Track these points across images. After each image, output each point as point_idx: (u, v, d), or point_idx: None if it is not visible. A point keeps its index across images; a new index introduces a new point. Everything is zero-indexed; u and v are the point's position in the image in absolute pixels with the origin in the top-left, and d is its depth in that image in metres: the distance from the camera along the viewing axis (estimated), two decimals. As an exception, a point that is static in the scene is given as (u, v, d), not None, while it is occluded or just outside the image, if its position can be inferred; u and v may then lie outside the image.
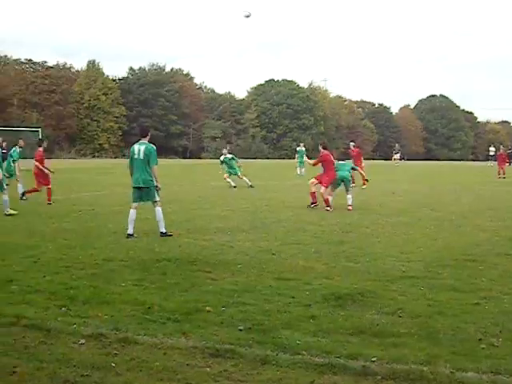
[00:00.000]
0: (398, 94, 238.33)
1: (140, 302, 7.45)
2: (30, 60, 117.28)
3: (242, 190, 27.73)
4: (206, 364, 5.46)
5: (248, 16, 26.83)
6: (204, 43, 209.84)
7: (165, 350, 5.79)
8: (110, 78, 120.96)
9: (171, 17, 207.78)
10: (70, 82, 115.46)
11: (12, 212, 16.97)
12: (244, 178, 30.07)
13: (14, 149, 23.75)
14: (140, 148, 13.53)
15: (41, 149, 21.89)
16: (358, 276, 9.17)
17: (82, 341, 5.99)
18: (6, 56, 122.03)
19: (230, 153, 31.58)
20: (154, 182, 13.49)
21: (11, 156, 23.38)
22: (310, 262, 10.26)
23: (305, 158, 23.81)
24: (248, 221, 15.94)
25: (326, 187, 19.28)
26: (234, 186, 28.83)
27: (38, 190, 21.51)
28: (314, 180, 19.96)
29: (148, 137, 13.92)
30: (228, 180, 30.05)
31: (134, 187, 13.55)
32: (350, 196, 19.06)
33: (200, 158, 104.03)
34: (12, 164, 23.17)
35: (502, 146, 48.49)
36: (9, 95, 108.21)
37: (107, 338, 6.10)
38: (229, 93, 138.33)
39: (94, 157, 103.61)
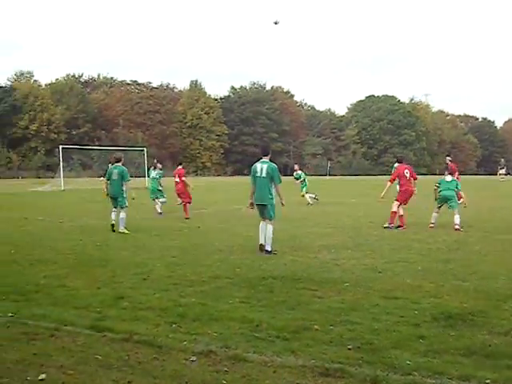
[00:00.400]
0: (502, 107, 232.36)
1: (248, 319, 7.49)
2: (135, 81, 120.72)
3: (344, 206, 27.58)
4: (316, 383, 5.44)
5: (276, 23, 25.39)
6: (304, 60, 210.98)
7: (274, 368, 5.80)
8: (212, 97, 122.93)
9: (271, 36, 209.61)
10: (173, 101, 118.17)
11: (126, 231, 17.57)
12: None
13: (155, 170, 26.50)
14: (262, 167, 13.77)
15: (180, 167, 24.87)
16: (467, 295, 8.95)
17: (193, 358, 6.07)
18: (112, 78, 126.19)
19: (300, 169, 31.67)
20: (273, 201, 13.73)
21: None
22: (417, 280, 10.09)
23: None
24: (351, 238, 15.83)
25: (400, 203, 18.87)
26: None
27: (189, 202, 23.77)
28: (396, 202, 19.06)
29: (269, 155, 14.12)
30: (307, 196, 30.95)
31: (256, 204, 13.84)
32: (457, 216, 18.07)
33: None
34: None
35: None
36: (115, 116, 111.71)
37: (217, 355, 6.16)
38: (329, 109, 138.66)
39: (196, 175, 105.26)
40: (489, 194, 39.04)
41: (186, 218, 22.11)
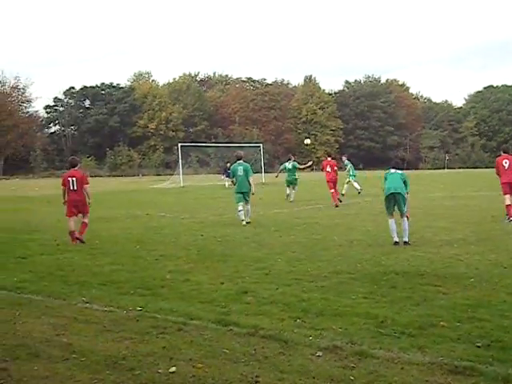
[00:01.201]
0: None
1: (372, 315, 7.44)
2: (250, 78, 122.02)
3: (463, 200, 26.91)
4: (446, 381, 5.33)
5: None
6: (419, 52, 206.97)
7: (402, 364, 5.73)
8: (326, 91, 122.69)
9: (369, 28, 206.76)
10: (287, 97, 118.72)
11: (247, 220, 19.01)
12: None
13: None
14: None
15: (330, 158, 29.17)
16: None
17: (319, 353, 6.08)
18: (227, 75, 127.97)
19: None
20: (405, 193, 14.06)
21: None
22: (546, 276, 9.74)
23: None
24: (474, 233, 15.44)
25: (505, 194, 18.23)
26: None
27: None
28: (505, 195, 18.34)
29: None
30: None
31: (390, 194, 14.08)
32: None
33: (417, 169, 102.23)
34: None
35: None
36: (231, 113, 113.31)
37: (343, 350, 6.15)
38: (446, 101, 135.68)
39: (312, 170, 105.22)
40: None
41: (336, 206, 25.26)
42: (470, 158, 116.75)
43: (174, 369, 5.69)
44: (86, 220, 15.81)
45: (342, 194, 30.54)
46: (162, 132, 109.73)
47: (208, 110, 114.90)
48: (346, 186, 32.17)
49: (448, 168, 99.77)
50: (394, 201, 14.01)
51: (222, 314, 7.71)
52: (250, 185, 19.48)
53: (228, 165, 42.23)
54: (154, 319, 7.53)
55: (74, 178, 15.59)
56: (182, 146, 57.09)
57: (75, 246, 14.41)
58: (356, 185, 32.90)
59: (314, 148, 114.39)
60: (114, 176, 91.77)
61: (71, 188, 15.61)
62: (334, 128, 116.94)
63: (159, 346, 6.43)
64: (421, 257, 11.90)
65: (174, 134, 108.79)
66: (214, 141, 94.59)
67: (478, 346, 6.22)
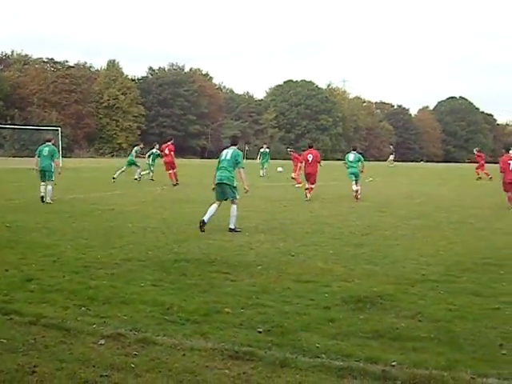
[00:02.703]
0: (417, 96, 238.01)
1: (159, 302, 7.43)
2: (52, 59, 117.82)
3: (259, 190, 27.68)
4: (225, 366, 5.43)
5: None
6: (223, 44, 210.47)
7: (184, 351, 5.77)
8: (130, 77, 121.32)
9: (190, 17, 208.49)
10: (89, 81, 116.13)
11: (51, 202, 20.10)
12: None
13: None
14: (228, 151, 14.89)
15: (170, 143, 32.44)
16: (377, 279, 9.10)
17: (102, 341, 5.98)
18: (27, 55, 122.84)
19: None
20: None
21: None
22: (329, 264, 10.21)
23: None
24: (266, 221, 15.92)
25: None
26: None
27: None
28: None
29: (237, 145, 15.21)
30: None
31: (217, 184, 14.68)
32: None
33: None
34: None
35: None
36: (29, 94, 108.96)
37: (126, 338, 6.09)
38: (247, 93, 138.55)
39: (112, 156, 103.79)
40: (402, 180, 39.95)
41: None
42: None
43: None
44: None
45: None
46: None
47: (4, 90, 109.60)
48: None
49: (247, 158, 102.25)
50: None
51: (4, 302, 7.39)
52: (51, 166, 21.21)
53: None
54: None
55: None
56: (-26, 127, 54.12)
57: None
58: None
59: (115, 134, 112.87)
60: None
61: None
62: (136, 114, 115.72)
63: None
64: (213, 244, 12.08)
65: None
66: (9, 122, 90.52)
67: (260, 332, 6.39)
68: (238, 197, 14.66)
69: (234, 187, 14.59)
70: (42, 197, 20.44)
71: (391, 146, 77.45)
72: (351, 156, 24.24)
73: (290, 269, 9.72)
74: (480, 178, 41.14)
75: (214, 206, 14.48)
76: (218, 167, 14.75)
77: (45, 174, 21.00)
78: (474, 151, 44.54)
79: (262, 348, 5.88)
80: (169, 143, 32.18)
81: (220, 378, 5.17)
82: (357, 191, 23.18)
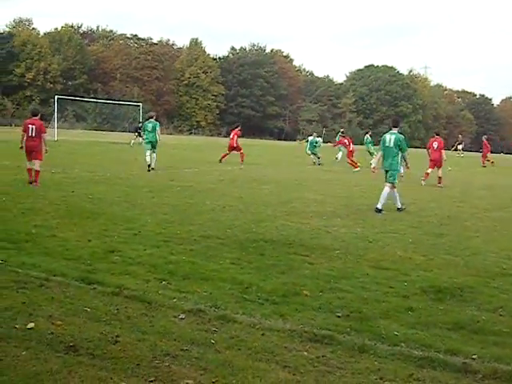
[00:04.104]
0: (501, 86, 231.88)
1: (238, 280, 7.48)
2: (136, 35, 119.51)
3: (334, 174, 27.61)
4: (304, 348, 5.44)
5: None
6: (305, 26, 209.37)
7: (263, 330, 5.80)
8: (211, 56, 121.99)
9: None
10: (172, 58, 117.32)
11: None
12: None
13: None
14: (391, 137, 15.65)
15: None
16: (457, 270, 8.95)
17: (182, 315, 6.07)
18: (111, 31, 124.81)
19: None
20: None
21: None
22: (408, 252, 10.10)
23: None
24: (343, 206, 15.84)
25: None
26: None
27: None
28: None
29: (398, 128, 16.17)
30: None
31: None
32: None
33: (294, 140, 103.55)
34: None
35: None
36: (112, 69, 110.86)
37: (206, 314, 6.16)
38: (327, 76, 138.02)
39: (190, 134, 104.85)
40: (480, 171, 39.17)
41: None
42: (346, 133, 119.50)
43: (32, 325, 5.52)
44: (37, 168, 16.94)
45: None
46: (39, 83, 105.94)
47: (89, 64, 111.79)
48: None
49: (324, 142, 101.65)
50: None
51: (87, 271, 7.56)
52: (157, 139, 25.12)
53: (140, 124, 43.68)
54: (15, 273, 7.28)
55: (33, 126, 17.13)
56: (58, 99, 55.40)
57: None
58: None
59: (194, 112, 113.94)
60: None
61: (30, 134, 17.13)
62: (215, 93, 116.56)
63: (18, 301, 6.22)
64: (290, 226, 12.08)
65: (51, 85, 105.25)
66: (92, 96, 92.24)
67: (338, 316, 6.38)
68: (395, 182, 15.58)
69: (396, 171, 15.65)
70: (149, 165, 24.03)
71: (460, 136, 75.94)
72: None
73: (368, 255, 9.65)
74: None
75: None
76: (384, 154, 15.77)
77: (151, 144, 24.77)
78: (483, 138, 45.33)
79: (341, 332, 5.86)
80: (236, 129, 33.16)
81: (298, 359, 5.17)
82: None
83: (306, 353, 5.34)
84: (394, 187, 15.50)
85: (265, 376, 4.76)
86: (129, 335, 5.47)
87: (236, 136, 32.29)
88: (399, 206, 15.55)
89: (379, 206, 15.09)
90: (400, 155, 15.67)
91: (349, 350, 5.46)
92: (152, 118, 26.36)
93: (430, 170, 24.66)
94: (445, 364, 5.26)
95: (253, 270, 8.14)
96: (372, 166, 20.80)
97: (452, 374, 5.10)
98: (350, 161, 33.17)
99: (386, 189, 15.31)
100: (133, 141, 46.08)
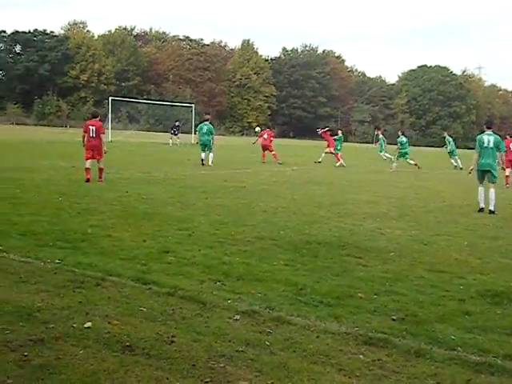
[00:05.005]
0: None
1: (292, 282, 7.47)
2: (188, 37, 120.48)
3: (387, 176, 27.40)
4: (359, 351, 5.40)
5: None
6: (357, 26, 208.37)
7: (318, 333, 5.77)
8: (263, 57, 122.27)
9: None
10: (223, 60, 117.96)
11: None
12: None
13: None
14: (489, 139, 15.80)
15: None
16: (514, 274, 8.79)
17: (237, 316, 6.08)
18: (164, 33, 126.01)
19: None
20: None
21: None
22: (463, 255, 9.94)
23: None
24: (397, 208, 15.70)
25: None
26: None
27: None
28: None
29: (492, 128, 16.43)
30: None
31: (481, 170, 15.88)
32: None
33: (346, 142, 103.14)
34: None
35: None
36: (165, 70, 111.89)
37: (261, 315, 6.15)
38: (379, 77, 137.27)
39: (242, 135, 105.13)
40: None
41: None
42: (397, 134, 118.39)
43: (89, 324, 5.60)
44: (101, 165, 18.45)
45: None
46: (93, 84, 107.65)
47: (142, 66, 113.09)
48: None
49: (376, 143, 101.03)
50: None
51: (142, 272, 7.63)
52: (210, 140, 27.58)
53: (177, 123, 47.69)
54: (71, 273, 7.39)
55: (93, 127, 18.52)
56: (112, 100, 56.13)
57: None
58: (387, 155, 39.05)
59: (245, 113, 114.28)
60: (40, 125, 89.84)
61: (91, 135, 18.49)
62: (267, 94, 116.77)
63: (75, 301, 6.31)
64: (344, 228, 12.01)
65: (105, 87, 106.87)
66: (145, 97, 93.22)
67: (393, 319, 6.31)
68: (496, 181, 15.96)
69: (496, 171, 15.90)
70: (203, 160, 27.14)
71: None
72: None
73: (422, 257, 9.54)
74: None
75: (482, 189, 15.81)
76: (482, 155, 15.72)
77: (205, 146, 27.74)
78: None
79: (396, 336, 5.80)
80: (268, 130, 34.64)
81: (354, 362, 5.13)
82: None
83: (361, 356, 5.29)
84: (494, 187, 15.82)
85: (320, 379, 4.74)
86: (184, 336, 5.50)
87: (271, 137, 33.20)
88: (492, 208, 15.66)
89: (491, 207, 15.54)
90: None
91: (405, 353, 5.39)
92: (207, 120, 28.42)
93: (508, 171, 24.49)
94: (503, 369, 5.15)
95: (307, 272, 8.12)
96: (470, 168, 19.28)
97: (510, 380, 5.00)
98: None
99: (492, 190, 15.60)
100: (170, 140, 47.47)
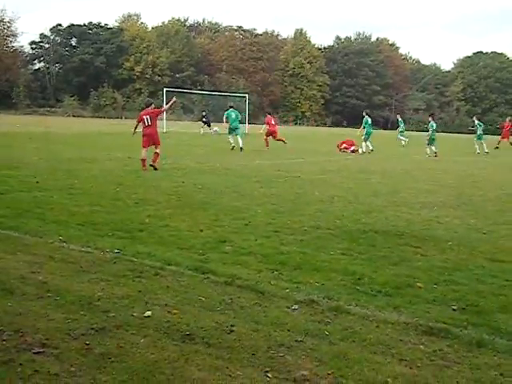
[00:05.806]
0: None
1: (350, 271, 7.42)
2: (241, 27, 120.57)
3: (443, 164, 27.05)
4: (420, 341, 5.33)
5: None
6: (412, 13, 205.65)
7: (377, 322, 5.73)
8: (316, 46, 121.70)
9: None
10: (276, 49, 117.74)
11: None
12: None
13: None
14: None
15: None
16: None
17: (295, 306, 6.06)
18: (217, 23, 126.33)
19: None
20: None
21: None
22: (524, 244, 9.76)
23: None
24: (454, 197, 15.48)
25: None
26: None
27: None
28: None
29: None
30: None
31: None
32: None
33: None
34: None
35: None
36: (218, 61, 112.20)
37: (319, 305, 6.13)
38: (434, 64, 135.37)
39: (296, 124, 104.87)
40: None
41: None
42: (453, 122, 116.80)
43: (149, 313, 5.65)
44: (158, 150, 19.14)
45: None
46: (147, 76, 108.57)
47: (195, 57, 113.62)
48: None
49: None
50: None
51: (200, 261, 7.67)
52: (239, 125, 30.93)
53: (204, 113, 52.55)
54: (131, 262, 7.47)
55: (148, 116, 19.22)
56: (167, 91, 56.44)
57: (55, 185, 14.23)
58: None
59: (299, 102, 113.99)
60: (97, 117, 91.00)
61: (146, 124, 19.22)
62: (320, 83, 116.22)
63: (135, 290, 6.38)
64: (400, 217, 11.89)
65: (159, 78, 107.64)
66: (199, 88, 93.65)
67: (454, 309, 6.22)
68: None
69: None
70: (233, 146, 30.08)
71: None
72: None
73: (482, 247, 9.38)
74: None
75: None
76: None
77: (235, 131, 31.03)
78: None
79: (457, 326, 5.72)
80: (270, 116, 35.19)
81: (415, 352, 5.08)
82: None
83: (422, 346, 5.23)
84: None
85: (381, 369, 4.70)
86: (243, 325, 5.51)
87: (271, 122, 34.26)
88: None
89: None
90: None
91: (466, 344, 5.31)
92: (232, 107, 32.64)
93: None
94: None
95: (364, 261, 8.06)
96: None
97: None
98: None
99: None
100: (202, 129, 50.19)
